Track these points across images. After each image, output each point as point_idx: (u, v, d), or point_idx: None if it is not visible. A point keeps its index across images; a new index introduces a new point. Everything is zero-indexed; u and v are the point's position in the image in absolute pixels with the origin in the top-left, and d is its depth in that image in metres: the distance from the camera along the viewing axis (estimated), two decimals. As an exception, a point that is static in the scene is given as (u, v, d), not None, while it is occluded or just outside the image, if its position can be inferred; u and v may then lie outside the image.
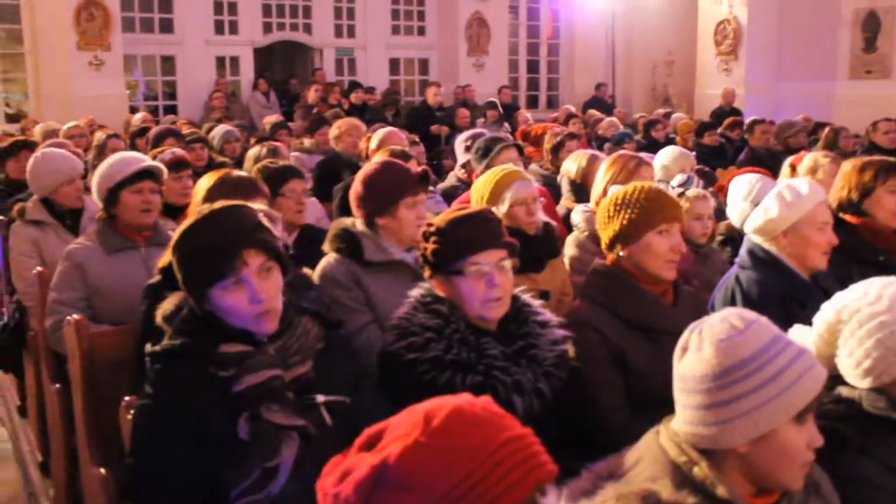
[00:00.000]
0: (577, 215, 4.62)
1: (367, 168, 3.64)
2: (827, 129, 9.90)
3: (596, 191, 4.53)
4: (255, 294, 2.28)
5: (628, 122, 13.57)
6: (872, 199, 4.00)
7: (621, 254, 3.01)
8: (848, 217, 4.03)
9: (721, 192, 5.56)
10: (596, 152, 5.63)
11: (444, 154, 10.43)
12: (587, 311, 2.98)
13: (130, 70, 14.65)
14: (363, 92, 13.90)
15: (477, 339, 2.62)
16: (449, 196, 5.71)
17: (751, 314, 1.86)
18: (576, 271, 4.32)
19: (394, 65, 16.83)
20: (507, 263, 2.67)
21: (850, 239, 3.81)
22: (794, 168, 5.37)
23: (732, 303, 3.31)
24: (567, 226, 4.96)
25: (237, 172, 3.78)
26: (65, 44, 12.90)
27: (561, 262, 4.14)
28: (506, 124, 12.65)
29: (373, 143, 6.28)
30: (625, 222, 2.98)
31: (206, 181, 3.63)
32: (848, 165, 4.21)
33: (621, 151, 4.72)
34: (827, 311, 2.27)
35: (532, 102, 18.41)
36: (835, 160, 5.15)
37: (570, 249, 4.53)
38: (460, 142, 6.26)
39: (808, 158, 5.33)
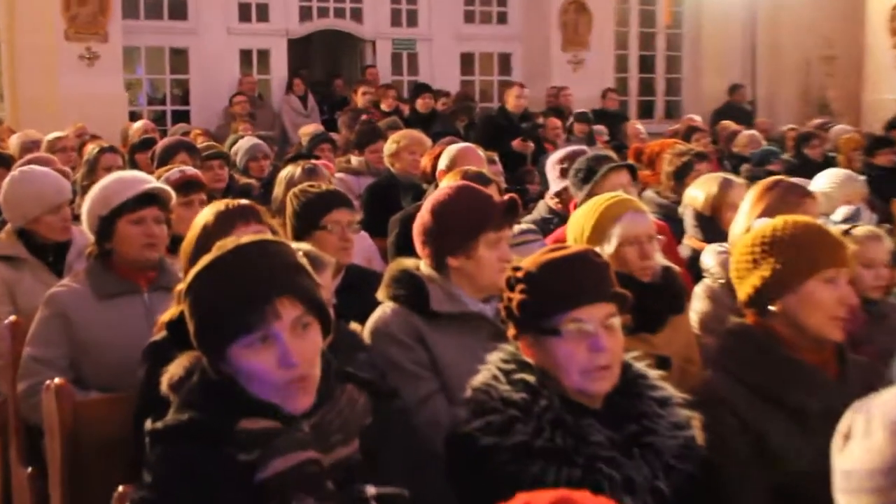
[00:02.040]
0: (709, 257, 4.59)
1: (437, 195, 3.72)
2: None
3: (738, 226, 4.51)
4: (287, 356, 2.30)
5: (773, 136, 13.46)
6: None
7: (772, 308, 2.99)
8: None
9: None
10: (730, 176, 5.62)
11: (529, 177, 10.42)
12: (721, 385, 2.95)
13: (132, 66, 14.97)
14: (428, 96, 13.98)
15: (576, 421, 2.61)
16: (542, 232, 5.70)
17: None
18: (706, 331, 4.29)
19: (467, 61, 16.94)
20: (617, 321, 2.68)
21: None
22: None
23: (916, 377, 3.25)
24: (693, 271, 4.95)
25: (238, 202, 3.82)
26: (49, 33, 13.16)
27: (685, 320, 4.12)
28: (603, 142, 12.62)
29: (441, 163, 6.31)
30: (778, 267, 2.97)
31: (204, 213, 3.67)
32: None
33: (778, 178, 4.67)
34: None
35: (645, 111, 18.34)
36: None
37: (698, 302, 4.50)
38: (554, 162, 6.28)
39: None
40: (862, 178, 7.64)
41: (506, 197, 3.68)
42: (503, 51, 17.17)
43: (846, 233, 4.41)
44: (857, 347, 3.90)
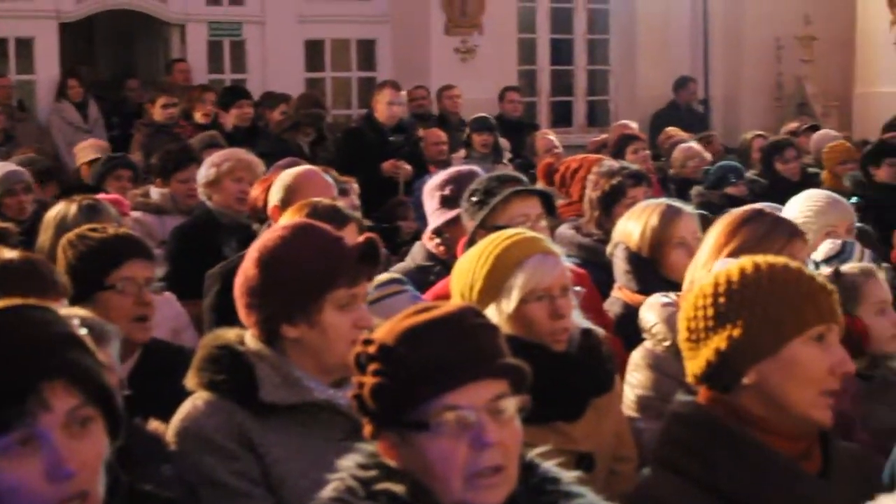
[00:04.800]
0: (651, 312, 4.67)
1: (267, 239, 3.69)
2: None
3: (697, 272, 4.55)
4: (60, 464, 2.27)
5: (734, 148, 13.65)
6: None
7: (746, 382, 3.02)
8: None
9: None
10: (677, 203, 5.68)
11: (402, 210, 10.45)
12: (664, 489, 2.97)
13: None
14: (246, 104, 13.80)
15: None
16: (415, 284, 5.71)
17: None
18: (647, 413, 4.36)
19: (313, 52, 16.96)
20: (510, 405, 2.66)
21: None
22: None
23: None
24: (625, 334, 5.02)
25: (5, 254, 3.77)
26: None
27: (614, 402, 4.17)
28: (506, 159, 12.70)
29: (275, 195, 6.28)
30: (752, 325, 3.00)
31: None
32: None
33: (757, 207, 4.75)
34: None
35: (561, 116, 18.55)
36: None
37: (636, 374, 4.58)
38: (433, 187, 6.28)
39: None
40: (853, 199, 7.82)
41: (361, 239, 3.67)
42: (365, 37, 17.25)
43: (837, 276, 4.50)
44: (849, 430, 3.98)
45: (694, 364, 3.09)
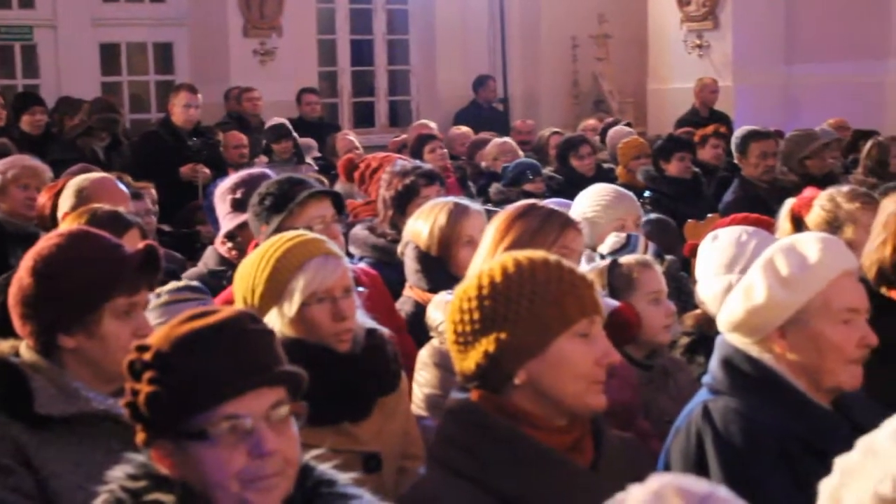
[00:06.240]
0: (437, 311, 4.67)
1: (41, 247, 3.61)
2: (870, 144, 10.25)
3: (475, 270, 4.57)
4: None
5: (532, 146, 13.76)
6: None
7: (516, 382, 3.03)
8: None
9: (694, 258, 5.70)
10: (464, 201, 5.71)
11: (202, 215, 10.35)
12: (440, 487, 2.98)
13: None
14: (39, 110, 13.46)
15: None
16: (211, 290, 5.65)
17: (702, 488, 1.90)
18: (435, 412, 4.35)
19: (109, 55, 16.71)
20: (285, 411, 2.65)
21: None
22: (797, 217, 5.51)
23: (699, 458, 3.38)
24: (418, 333, 5.03)
25: None
26: None
27: (402, 401, 4.17)
28: (309, 161, 12.65)
29: (64, 202, 6.19)
30: (516, 328, 3.03)
31: None
32: (893, 206, 4.37)
33: (530, 202, 4.77)
34: (855, 458, 2.29)
35: (363, 117, 18.54)
36: (868, 202, 5.34)
37: (424, 373, 4.60)
38: (224, 191, 6.22)
39: (823, 199, 5.50)
40: (646, 194, 7.96)
41: (140, 246, 3.61)
42: (161, 40, 17.06)
43: (614, 266, 4.58)
44: (629, 419, 4.05)
45: (463, 365, 3.10)
